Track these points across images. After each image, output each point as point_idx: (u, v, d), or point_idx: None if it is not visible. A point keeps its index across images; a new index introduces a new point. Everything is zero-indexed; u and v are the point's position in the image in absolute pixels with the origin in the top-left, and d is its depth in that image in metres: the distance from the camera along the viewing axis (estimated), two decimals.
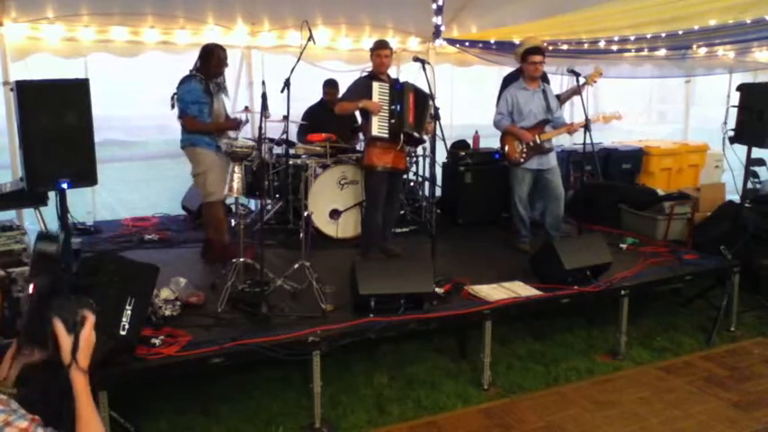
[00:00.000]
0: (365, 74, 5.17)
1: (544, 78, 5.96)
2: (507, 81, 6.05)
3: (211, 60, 4.85)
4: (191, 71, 4.88)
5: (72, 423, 1.64)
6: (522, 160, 5.43)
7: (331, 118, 5.79)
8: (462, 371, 4.13)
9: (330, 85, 6.59)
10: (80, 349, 1.67)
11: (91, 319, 1.72)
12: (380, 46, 4.97)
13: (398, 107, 4.82)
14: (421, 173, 6.76)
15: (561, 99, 6.08)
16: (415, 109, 4.86)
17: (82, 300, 1.75)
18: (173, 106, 4.89)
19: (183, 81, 4.83)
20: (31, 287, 1.72)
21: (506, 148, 5.51)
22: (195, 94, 4.76)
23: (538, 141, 5.38)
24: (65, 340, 1.66)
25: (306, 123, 6.31)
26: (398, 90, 4.87)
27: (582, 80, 5.48)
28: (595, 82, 5.75)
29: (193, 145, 4.81)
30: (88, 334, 1.70)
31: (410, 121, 4.85)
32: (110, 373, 2.94)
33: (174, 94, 4.85)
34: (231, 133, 4.96)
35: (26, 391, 1.76)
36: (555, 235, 5.42)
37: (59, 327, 1.66)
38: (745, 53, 7.83)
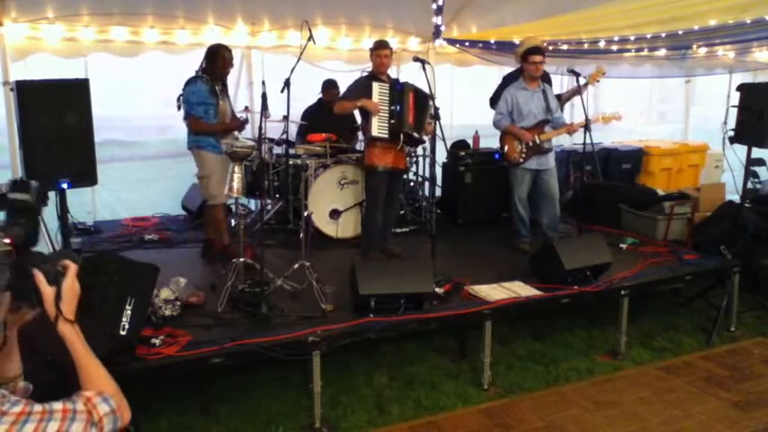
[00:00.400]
0: (365, 74, 5.17)
1: (546, 79, 5.96)
2: (507, 80, 6.04)
3: (217, 61, 4.84)
4: (196, 72, 4.87)
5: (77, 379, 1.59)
6: (521, 160, 5.43)
7: (330, 118, 5.79)
8: (462, 371, 4.12)
9: (330, 86, 6.58)
10: (63, 299, 1.60)
11: (73, 267, 1.65)
12: (380, 46, 4.97)
13: (398, 107, 4.82)
14: (421, 173, 6.76)
15: (562, 99, 6.08)
16: (414, 109, 4.86)
17: (64, 251, 1.68)
18: (179, 107, 4.88)
19: (189, 82, 4.82)
20: (7, 241, 1.63)
21: (506, 148, 5.51)
22: (200, 95, 4.75)
23: (537, 141, 5.38)
24: (47, 291, 1.59)
25: (305, 124, 6.31)
26: (398, 90, 4.87)
27: (582, 80, 5.48)
28: (598, 81, 5.73)
29: (199, 147, 4.82)
30: (71, 283, 1.63)
31: (410, 122, 4.85)
32: (110, 373, 2.94)
33: (180, 95, 4.84)
34: (236, 132, 4.96)
35: (29, 367, 1.72)
36: (553, 236, 5.42)
37: (40, 278, 1.59)
38: (745, 53, 7.83)
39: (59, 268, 1.63)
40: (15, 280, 1.57)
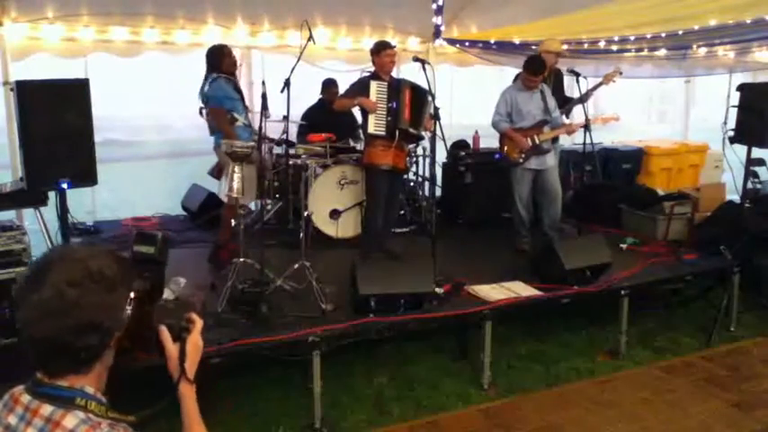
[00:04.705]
0: (366, 74, 5.17)
1: (558, 77, 5.95)
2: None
3: (223, 60, 4.88)
4: (209, 74, 4.88)
5: None
6: (521, 160, 5.41)
7: (330, 117, 5.80)
8: (462, 371, 4.12)
9: (330, 85, 6.61)
10: (188, 357, 1.53)
11: (199, 323, 1.57)
12: (387, 45, 4.95)
13: (395, 104, 4.82)
14: (421, 173, 6.76)
15: (581, 99, 5.95)
16: (411, 105, 4.86)
17: (186, 303, 1.58)
18: (201, 98, 4.94)
19: (212, 81, 4.85)
20: (131, 294, 1.55)
21: (505, 148, 5.50)
22: (227, 90, 4.82)
23: (537, 141, 5.37)
24: (171, 349, 1.53)
25: (305, 124, 6.33)
26: (395, 87, 4.88)
27: (583, 80, 5.45)
28: (614, 81, 5.69)
29: (220, 146, 4.84)
30: (196, 339, 1.55)
31: (405, 118, 4.84)
32: (110, 372, 2.94)
33: (204, 95, 4.88)
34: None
35: None
36: (553, 236, 5.41)
37: (165, 335, 1.52)
38: (745, 53, 7.82)
39: (184, 323, 1.54)
40: (138, 330, 1.49)
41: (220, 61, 4.88)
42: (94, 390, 1.39)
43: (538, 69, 5.34)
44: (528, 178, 5.48)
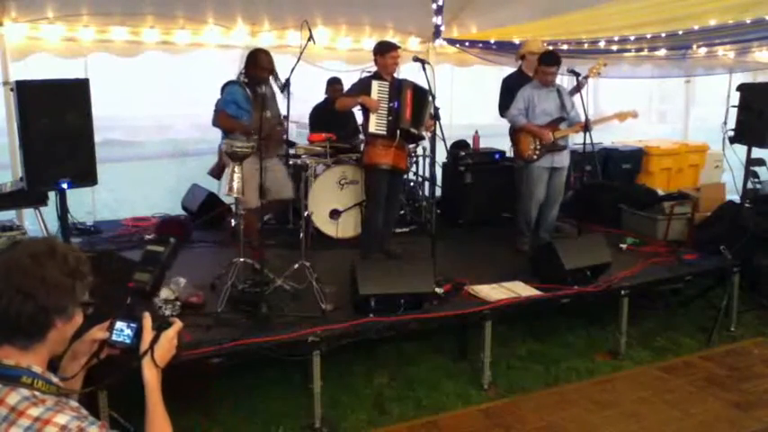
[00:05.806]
0: (367, 74, 5.17)
1: None
2: (508, 83, 6.01)
3: (249, 65, 4.76)
4: (235, 77, 4.86)
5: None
6: (534, 157, 5.31)
7: (334, 115, 5.81)
8: (462, 371, 4.12)
9: (334, 82, 6.65)
10: (159, 345, 1.68)
11: (178, 324, 1.73)
12: (392, 47, 4.93)
13: (396, 104, 4.82)
14: (421, 173, 6.76)
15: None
16: (412, 106, 4.85)
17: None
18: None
19: (225, 85, 4.87)
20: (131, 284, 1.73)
21: (519, 145, 5.41)
22: (234, 95, 4.73)
23: (553, 138, 5.31)
24: (147, 333, 1.68)
25: (309, 123, 6.35)
26: (397, 87, 4.88)
27: (583, 80, 5.44)
28: (599, 74, 5.65)
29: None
30: (171, 336, 1.71)
31: (406, 118, 4.84)
32: (110, 373, 2.94)
33: (218, 100, 4.96)
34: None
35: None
36: (544, 237, 5.39)
37: (148, 321, 1.67)
38: (745, 53, 7.82)
39: (167, 320, 1.73)
40: (126, 312, 1.70)
41: (248, 67, 4.77)
42: (42, 370, 1.47)
43: (555, 60, 5.29)
44: (545, 177, 5.36)
